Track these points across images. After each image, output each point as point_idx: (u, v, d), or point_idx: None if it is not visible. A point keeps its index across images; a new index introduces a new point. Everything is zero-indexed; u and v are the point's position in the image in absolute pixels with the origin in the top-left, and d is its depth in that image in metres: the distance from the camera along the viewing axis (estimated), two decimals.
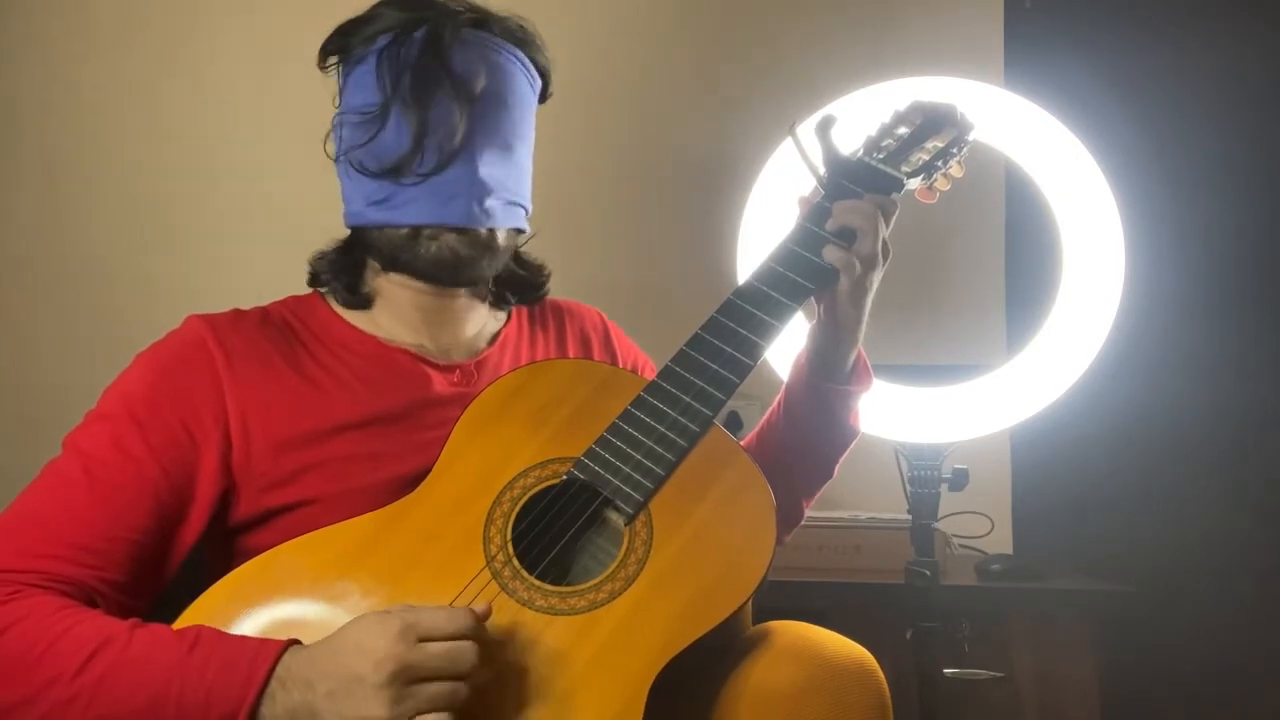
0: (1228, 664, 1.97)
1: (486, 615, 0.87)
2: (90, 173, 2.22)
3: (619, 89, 2.20)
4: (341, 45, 1.11)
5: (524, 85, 1.13)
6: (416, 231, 1.08)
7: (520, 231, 1.16)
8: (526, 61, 1.14)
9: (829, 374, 1.12)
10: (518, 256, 1.20)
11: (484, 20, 1.12)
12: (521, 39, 1.14)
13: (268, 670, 0.84)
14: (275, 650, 0.85)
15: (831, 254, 1.06)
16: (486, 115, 1.08)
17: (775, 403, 1.19)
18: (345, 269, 1.15)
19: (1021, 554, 1.98)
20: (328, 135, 1.14)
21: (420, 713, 0.82)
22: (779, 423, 1.18)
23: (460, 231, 1.09)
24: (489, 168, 1.09)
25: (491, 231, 1.11)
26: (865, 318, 1.09)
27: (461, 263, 1.10)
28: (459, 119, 1.06)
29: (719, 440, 1.00)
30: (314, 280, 1.17)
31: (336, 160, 1.11)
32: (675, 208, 2.17)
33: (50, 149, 2.23)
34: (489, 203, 1.09)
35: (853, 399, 1.14)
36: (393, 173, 1.06)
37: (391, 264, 1.12)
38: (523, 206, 1.15)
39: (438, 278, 1.12)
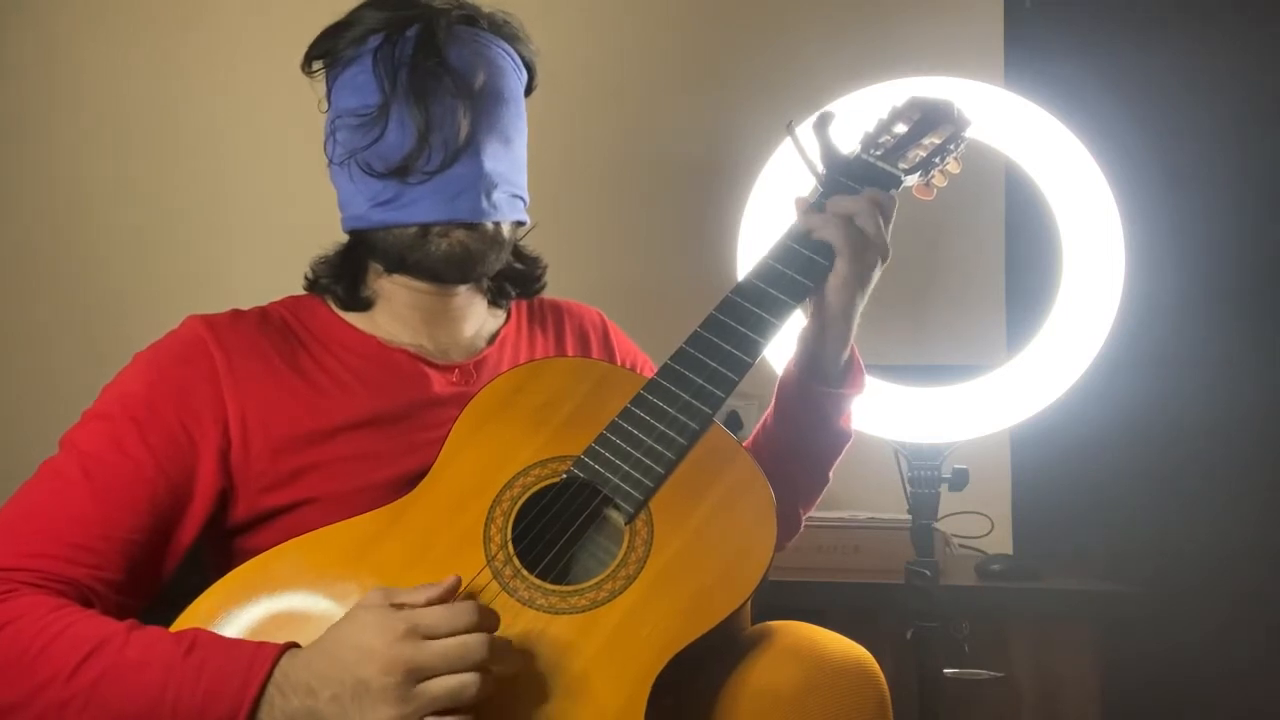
0: (1228, 664, 1.96)
1: (490, 613, 0.87)
2: (92, 175, 2.22)
3: (618, 89, 2.20)
4: (328, 48, 1.11)
5: (514, 78, 1.14)
6: (425, 230, 1.08)
7: (520, 224, 1.16)
8: (514, 55, 1.14)
9: (819, 376, 1.11)
10: (516, 249, 1.20)
11: (473, 16, 1.12)
12: (509, 33, 1.15)
13: (265, 674, 0.84)
14: (272, 654, 0.85)
15: (828, 230, 1.05)
16: (487, 110, 1.09)
17: (770, 407, 1.19)
18: (346, 272, 1.15)
19: (1021, 554, 1.98)
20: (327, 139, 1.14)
21: (430, 712, 0.81)
22: (771, 427, 1.17)
23: (469, 227, 1.09)
24: (493, 162, 1.09)
25: (498, 225, 1.11)
26: (856, 316, 1.08)
27: (471, 258, 1.10)
28: (463, 115, 1.07)
29: (719, 439, 1.00)
30: (312, 285, 1.17)
31: (335, 164, 1.11)
32: (675, 208, 2.17)
33: (53, 152, 2.23)
34: (495, 196, 1.09)
35: (844, 402, 1.13)
36: (399, 172, 1.06)
37: (398, 265, 1.11)
38: (522, 198, 1.15)
39: (446, 275, 1.11)
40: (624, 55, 2.22)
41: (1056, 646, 1.67)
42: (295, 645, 0.86)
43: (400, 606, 0.84)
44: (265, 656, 0.85)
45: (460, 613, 0.84)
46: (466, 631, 0.83)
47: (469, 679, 0.82)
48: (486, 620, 0.85)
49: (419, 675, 0.81)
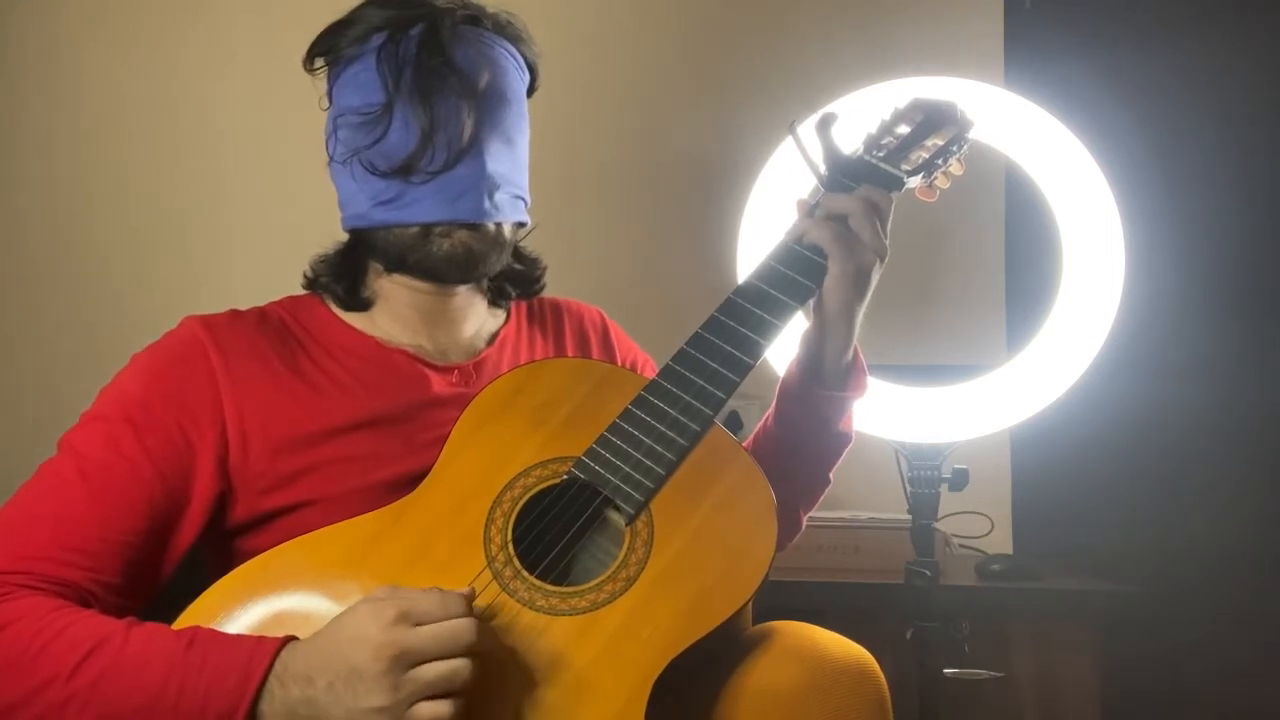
0: (1228, 664, 1.97)
1: (473, 597, 0.87)
2: (92, 175, 2.22)
3: (619, 89, 2.20)
4: (330, 45, 1.11)
5: (517, 79, 1.14)
6: (427, 230, 1.08)
7: (521, 225, 1.16)
8: (518, 56, 1.14)
9: (819, 378, 1.11)
10: (515, 250, 1.20)
11: (477, 16, 1.12)
12: (512, 34, 1.15)
13: (265, 667, 0.84)
14: (272, 647, 0.85)
15: (818, 231, 1.05)
16: (491, 110, 1.09)
17: (771, 408, 1.19)
18: (346, 272, 1.14)
19: (1021, 554, 1.98)
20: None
21: (422, 696, 0.81)
22: (772, 428, 1.17)
23: (471, 228, 1.08)
24: (495, 162, 1.09)
25: (499, 226, 1.11)
26: (857, 318, 1.07)
27: (474, 259, 1.09)
28: (467, 115, 1.06)
29: (720, 440, 1.00)
30: (311, 284, 1.17)
31: (337, 162, 1.10)
32: (675, 208, 2.17)
33: (53, 152, 2.23)
34: (498, 197, 1.09)
35: (844, 404, 1.13)
36: (403, 171, 1.06)
37: (399, 264, 1.11)
38: (524, 199, 1.15)
39: (448, 276, 1.11)
40: (624, 55, 2.22)
41: (1056, 646, 1.67)
42: (294, 638, 0.86)
43: None
44: (265, 650, 0.85)
45: (451, 599, 0.84)
46: (458, 617, 0.83)
47: (460, 664, 0.82)
48: (477, 607, 0.86)
49: (410, 660, 0.81)
